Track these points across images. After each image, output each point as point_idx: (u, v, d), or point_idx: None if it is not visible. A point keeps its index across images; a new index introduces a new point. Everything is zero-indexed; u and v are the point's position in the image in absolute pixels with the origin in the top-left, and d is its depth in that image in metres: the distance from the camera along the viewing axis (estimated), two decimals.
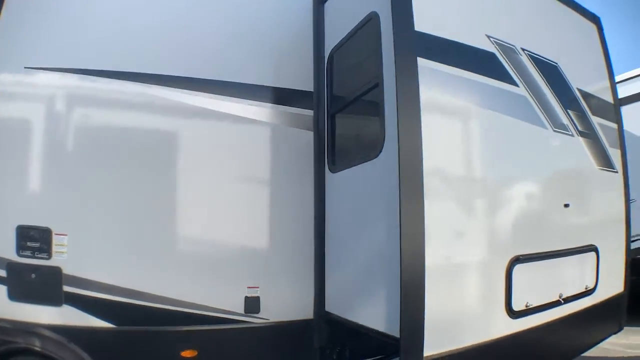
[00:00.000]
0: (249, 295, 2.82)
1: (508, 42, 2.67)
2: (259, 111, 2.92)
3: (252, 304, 2.82)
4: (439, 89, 2.32)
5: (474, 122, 2.48)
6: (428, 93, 2.21)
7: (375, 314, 2.36)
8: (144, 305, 2.68)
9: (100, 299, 2.64)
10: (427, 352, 2.10)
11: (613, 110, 3.43)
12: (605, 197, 3.28)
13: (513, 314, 2.47)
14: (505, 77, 2.62)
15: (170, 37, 2.85)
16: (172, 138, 2.82)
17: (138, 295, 2.68)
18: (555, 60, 2.97)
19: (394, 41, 2.22)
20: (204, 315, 2.75)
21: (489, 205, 2.46)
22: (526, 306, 2.53)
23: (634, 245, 5.29)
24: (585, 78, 3.21)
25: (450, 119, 2.38)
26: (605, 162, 3.25)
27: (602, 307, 3.19)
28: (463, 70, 2.41)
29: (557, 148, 2.85)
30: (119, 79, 2.76)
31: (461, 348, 2.26)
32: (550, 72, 2.91)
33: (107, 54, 2.76)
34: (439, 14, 2.41)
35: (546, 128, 2.79)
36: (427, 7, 2.29)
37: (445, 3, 2.49)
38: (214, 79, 2.85)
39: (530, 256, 2.56)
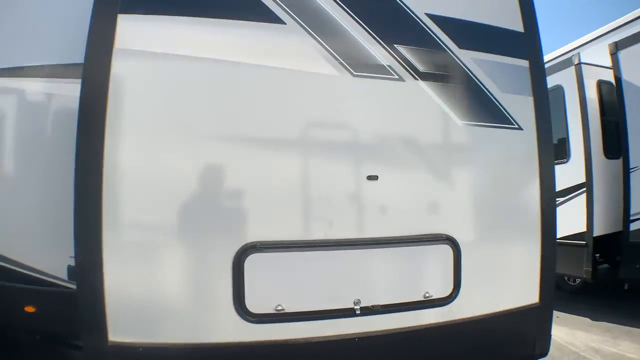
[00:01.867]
0: (71, 263, 2.92)
1: None
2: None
3: (73, 272, 2.91)
4: (146, 45, 1.92)
5: (198, 77, 1.96)
6: (129, 53, 1.90)
7: None
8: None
9: None
10: (115, 337, 1.89)
11: (521, 41, 2.26)
12: (482, 166, 2.25)
13: (252, 317, 1.95)
14: (263, 15, 1.99)
15: None
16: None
17: None
18: None
19: None
20: (40, 278, 3.00)
21: (202, 175, 1.93)
22: (277, 310, 1.97)
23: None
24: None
25: (163, 79, 1.95)
26: (487, 114, 2.21)
27: (487, 324, 2.27)
28: (186, 17, 1.95)
29: (358, 98, 2.05)
30: None
31: (167, 344, 1.92)
32: None
33: None
34: None
35: (338, 72, 2.02)
36: None
37: None
38: None
39: (280, 244, 1.96)
